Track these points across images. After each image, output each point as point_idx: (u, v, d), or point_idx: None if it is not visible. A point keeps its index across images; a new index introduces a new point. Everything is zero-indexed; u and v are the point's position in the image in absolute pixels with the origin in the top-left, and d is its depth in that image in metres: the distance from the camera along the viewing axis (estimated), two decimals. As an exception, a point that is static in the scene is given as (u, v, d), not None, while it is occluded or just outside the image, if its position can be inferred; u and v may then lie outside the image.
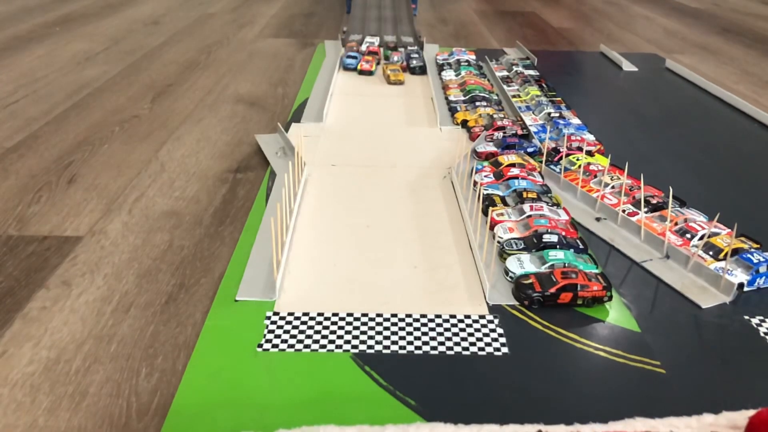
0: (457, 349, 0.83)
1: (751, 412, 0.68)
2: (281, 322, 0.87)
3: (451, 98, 1.77)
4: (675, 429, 0.68)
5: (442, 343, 0.84)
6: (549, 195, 1.19)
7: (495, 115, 1.59)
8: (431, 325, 0.88)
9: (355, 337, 0.85)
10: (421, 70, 2.04)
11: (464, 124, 1.60)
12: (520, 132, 1.53)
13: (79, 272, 0.99)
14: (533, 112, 1.67)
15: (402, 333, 0.86)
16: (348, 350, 0.82)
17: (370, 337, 0.85)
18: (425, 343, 0.84)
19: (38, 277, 0.97)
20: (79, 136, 1.53)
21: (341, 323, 0.88)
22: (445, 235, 1.11)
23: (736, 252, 1.01)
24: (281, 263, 0.97)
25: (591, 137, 1.50)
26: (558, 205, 1.16)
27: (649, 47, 2.61)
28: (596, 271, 0.96)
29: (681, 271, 1.02)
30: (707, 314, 0.93)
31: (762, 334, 0.89)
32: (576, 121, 1.60)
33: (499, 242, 1.04)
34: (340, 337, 0.85)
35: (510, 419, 0.70)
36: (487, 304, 0.93)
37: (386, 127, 1.62)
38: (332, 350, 0.83)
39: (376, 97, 1.85)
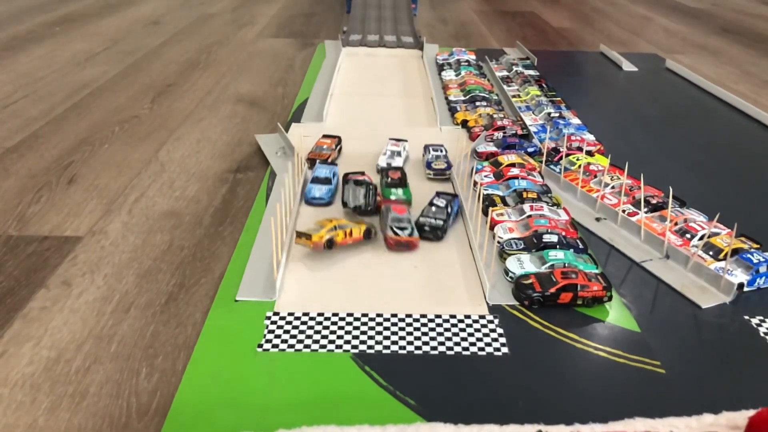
0: (457, 349, 0.83)
1: (751, 412, 0.68)
2: (281, 322, 0.87)
3: (451, 98, 1.77)
4: (675, 429, 0.68)
5: (442, 343, 0.84)
6: (549, 195, 1.19)
7: (495, 115, 1.59)
8: (431, 325, 0.88)
9: (355, 337, 0.85)
10: (441, 233, 1.09)
11: (464, 124, 1.60)
12: (520, 132, 1.53)
13: (79, 272, 0.99)
14: (533, 112, 1.67)
15: (402, 333, 0.86)
16: (348, 350, 0.82)
17: (370, 337, 0.85)
18: (425, 343, 0.84)
19: (38, 277, 0.97)
20: (79, 136, 1.53)
21: (341, 323, 0.88)
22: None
23: (736, 252, 1.01)
24: (281, 263, 0.97)
25: (591, 137, 1.50)
26: (558, 205, 1.16)
27: (649, 47, 2.61)
28: (596, 271, 0.96)
29: (681, 271, 1.02)
30: (707, 314, 0.93)
31: (762, 334, 0.89)
32: (576, 121, 1.60)
33: (499, 242, 1.04)
34: (340, 337, 0.85)
35: (510, 419, 0.70)
36: (487, 304, 0.93)
37: (386, 127, 1.61)
38: (332, 350, 0.82)
39: (376, 96, 1.85)
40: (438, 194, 1.17)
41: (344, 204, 1.14)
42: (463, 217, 1.15)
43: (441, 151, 1.39)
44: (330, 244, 1.00)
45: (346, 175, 1.22)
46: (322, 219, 1.06)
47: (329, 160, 1.34)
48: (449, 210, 1.12)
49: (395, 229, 1.06)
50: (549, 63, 2.22)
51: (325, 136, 1.45)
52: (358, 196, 1.13)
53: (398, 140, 1.43)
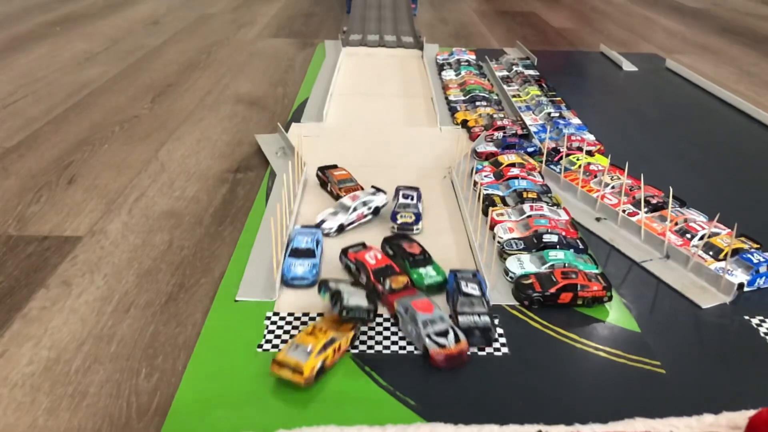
0: (457, 349, 0.83)
1: (752, 412, 0.68)
2: (281, 323, 0.87)
3: (451, 98, 1.77)
4: (675, 429, 0.68)
5: (442, 343, 0.84)
6: (549, 195, 1.19)
7: (495, 115, 1.59)
8: (431, 325, 0.87)
9: (355, 337, 0.85)
10: (493, 333, 0.84)
11: (464, 123, 1.60)
12: (520, 132, 1.52)
13: (79, 272, 0.99)
14: (533, 112, 1.67)
15: (402, 333, 0.86)
16: (348, 350, 0.82)
17: (370, 337, 0.85)
18: (425, 343, 0.84)
19: (38, 277, 0.97)
20: (79, 136, 1.53)
21: (341, 323, 0.88)
22: (445, 235, 1.11)
23: (736, 252, 1.01)
24: (281, 263, 0.97)
25: (591, 137, 1.50)
26: (558, 205, 1.16)
27: (649, 47, 2.61)
28: (596, 271, 0.96)
29: (681, 271, 1.02)
30: (707, 314, 0.93)
31: (762, 334, 0.89)
32: (576, 121, 1.60)
33: (499, 242, 1.04)
34: (340, 337, 0.85)
35: (510, 419, 0.70)
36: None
37: (386, 127, 1.62)
38: (332, 350, 0.82)
39: (376, 96, 1.85)
40: (457, 276, 0.91)
41: (341, 310, 0.82)
42: (463, 217, 1.14)
43: (412, 198, 1.14)
44: (320, 373, 0.77)
45: (345, 251, 0.97)
46: (301, 332, 0.81)
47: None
48: (485, 297, 0.89)
49: (435, 338, 0.79)
50: (549, 63, 2.22)
51: (326, 168, 1.25)
52: (358, 302, 0.83)
53: (378, 190, 1.15)
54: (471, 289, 0.89)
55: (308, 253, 0.97)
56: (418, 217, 1.10)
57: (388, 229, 1.09)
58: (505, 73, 2.02)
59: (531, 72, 2.01)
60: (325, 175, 1.24)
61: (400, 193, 1.16)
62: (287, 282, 0.93)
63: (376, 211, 1.12)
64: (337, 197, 1.17)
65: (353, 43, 2.39)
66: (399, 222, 1.08)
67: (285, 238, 1.02)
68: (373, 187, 1.16)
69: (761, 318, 0.92)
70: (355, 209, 1.09)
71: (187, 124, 1.62)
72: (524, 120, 1.61)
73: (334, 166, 1.27)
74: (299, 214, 1.16)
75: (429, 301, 0.85)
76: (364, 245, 0.99)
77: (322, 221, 1.08)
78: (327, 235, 1.06)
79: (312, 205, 1.19)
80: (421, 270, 0.95)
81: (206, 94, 1.85)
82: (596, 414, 0.71)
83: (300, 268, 0.94)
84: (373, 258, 0.94)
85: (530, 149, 1.43)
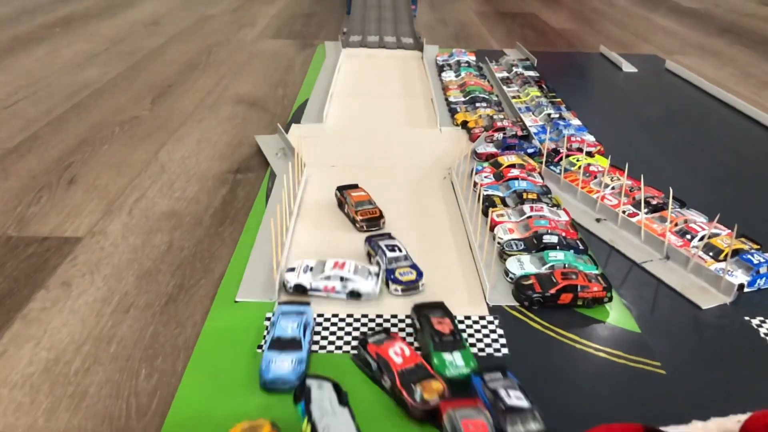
0: (457, 349, 0.83)
1: (741, 416, 0.67)
2: (281, 323, 0.87)
3: (451, 99, 1.77)
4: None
5: (442, 344, 0.84)
6: (549, 196, 1.19)
7: (495, 116, 1.59)
8: (431, 325, 0.87)
9: (355, 338, 0.85)
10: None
11: (464, 125, 1.60)
12: (520, 133, 1.52)
13: (78, 273, 0.99)
14: (533, 113, 1.67)
15: (402, 334, 0.86)
16: (348, 351, 0.82)
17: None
18: (425, 344, 0.84)
19: (38, 278, 0.97)
20: (79, 136, 1.53)
21: (341, 324, 0.88)
22: (445, 235, 1.11)
23: (736, 253, 1.01)
24: (281, 264, 0.97)
25: (591, 138, 1.50)
26: (558, 206, 1.16)
27: (649, 48, 2.61)
28: (596, 272, 0.96)
29: (681, 271, 1.02)
30: (707, 315, 0.93)
31: (762, 335, 0.89)
32: (576, 122, 1.60)
33: (499, 243, 1.04)
34: (340, 337, 0.85)
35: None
36: (487, 304, 0.93)
37: (386, 128, 1.62)
38: (332, 351, 0.82)
39: (376, 97, 1.85)
40: (486, 382, 0.73)
41: None
42: (463, 217, 1.14)
43: (398, 249, 0.98)
44: None
45: (364, 344, 0.78)
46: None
47: (382, 222, 1.09)
48: (535, 406, 0.70)
49: None
50: (549, 64, 2.22)
51: (344, 189, 1.17)
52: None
53: (376, 275, 0.93)
54: (516, 399, 0.69)
55: (293, 344, 0.77)
56: (419, 272, 0.95)
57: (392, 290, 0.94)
58: (505, 74, 2.02)
59: (531, 73, 2.01)
60: (342, 195, 1.16)
61: (381, 245, 0.98)
62: (265, 385, 0.74)
63: (354, 296, 0.91)
64: (353, 220, 1.10)
65: (353, 44, 2.39)
66: (402, 281, 0.93)
67: (285, 239, 1.02)
68: (375, 267, 0.96)
69: (761, 319, 0.92)
70: (328, 278, 0.91)
71: (187, 125, 1.62)
72: (524, 121, 1.61)
73: (354, 186, 1.17)
74: (299, 215, 1.15)
75: (486, 424, 0.65)
76: (387, 333, 0.80)
77: (291, 269, 0.93)
78: (284, 287, 0.92)
79: (312, 206, 1.19)
80: (446, 356, 0.77)
81: (206, 95, 1.85)
82: (596, 414, 0.71)
83: (282, 364, 0.74)
84: (399, 354, 0.75)
85: (530, 150, 1.43)
